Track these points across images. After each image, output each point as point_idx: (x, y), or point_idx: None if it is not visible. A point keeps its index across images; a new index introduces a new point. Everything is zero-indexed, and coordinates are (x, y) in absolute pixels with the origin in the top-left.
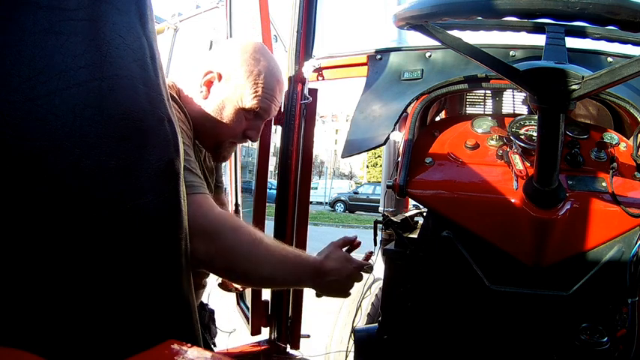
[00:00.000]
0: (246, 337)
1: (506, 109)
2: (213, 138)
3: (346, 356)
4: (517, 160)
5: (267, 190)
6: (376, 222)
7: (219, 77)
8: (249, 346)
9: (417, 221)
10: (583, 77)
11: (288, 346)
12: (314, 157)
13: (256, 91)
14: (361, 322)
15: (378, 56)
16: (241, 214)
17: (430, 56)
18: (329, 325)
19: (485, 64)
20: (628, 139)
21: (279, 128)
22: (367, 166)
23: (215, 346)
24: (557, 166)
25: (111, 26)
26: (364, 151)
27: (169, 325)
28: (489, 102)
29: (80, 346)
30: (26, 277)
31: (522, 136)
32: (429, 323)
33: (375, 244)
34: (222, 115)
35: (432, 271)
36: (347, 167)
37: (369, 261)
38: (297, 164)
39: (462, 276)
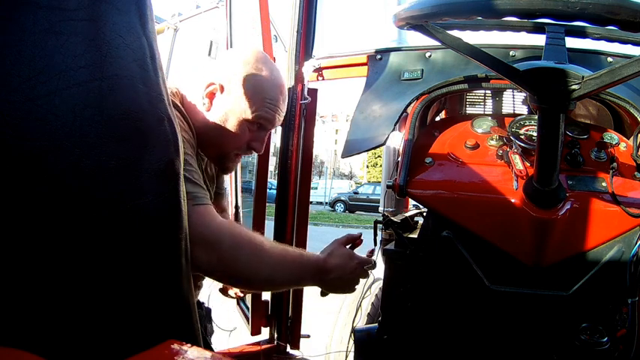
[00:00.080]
0: (247, 337)
1: (506, 109)
2: (217, 149)
3: (346, 356)
4: (517, 160)
5: (267, 190)
6: (376, 222)
7: (222, 89)
8: (249, 345)
9: (417, 221)
10: (583, 77)
11: (288, 346)
12: (314, 157)
13: (259, 103)
14: (361, 322)
15: (378, 56)
16: (241, 215)
17: (430, 56)
18: (329, 325)
19: (485, 64)
20: (628, 139)
21: (279, 128)
22: (367, 166)
23: (211, 343)
24: (557, 166)
25: (111, 26)
26: (364, 151)
27: (169, 325)
28: (489, 102)
29: (80, 346)
30: (26, 277)
31: (522, 136)
32: (429, 323)
33: (375, 244)
34: (225, 126)
35: (432, 271)
36: (347, 167)
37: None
38: (297, 164)
39: (462, 276)
